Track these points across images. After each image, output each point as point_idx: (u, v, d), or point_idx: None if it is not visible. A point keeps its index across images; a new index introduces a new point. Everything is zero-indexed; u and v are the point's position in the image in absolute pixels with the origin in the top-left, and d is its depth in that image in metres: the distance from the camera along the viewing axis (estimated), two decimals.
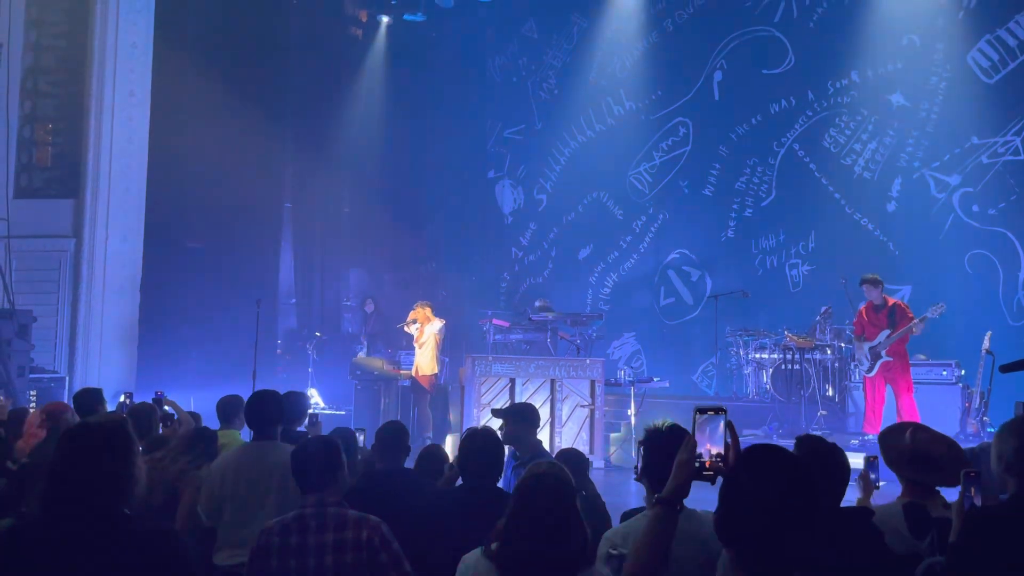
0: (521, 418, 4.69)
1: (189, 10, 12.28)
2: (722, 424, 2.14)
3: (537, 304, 11.80)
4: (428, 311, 10.49)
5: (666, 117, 12.77)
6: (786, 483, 1.93)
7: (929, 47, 10.58)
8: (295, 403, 5.05)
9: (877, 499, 3.33)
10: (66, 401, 8.18)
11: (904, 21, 10.72)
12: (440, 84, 14.28)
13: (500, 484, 3.73)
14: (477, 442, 3.61)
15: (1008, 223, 9.96)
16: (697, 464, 2.13)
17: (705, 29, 12.41)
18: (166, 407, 5.84)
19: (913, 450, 3.06)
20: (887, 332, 8.67)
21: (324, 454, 3.20)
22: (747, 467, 2.01)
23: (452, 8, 13.59)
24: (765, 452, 2.04)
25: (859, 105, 11.13)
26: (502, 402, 9.05)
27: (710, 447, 2.13)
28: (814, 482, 1.99)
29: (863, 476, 3.35)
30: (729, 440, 2.13)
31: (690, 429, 2.20)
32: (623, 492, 7.36)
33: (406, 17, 13.64)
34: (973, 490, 2.62)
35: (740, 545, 1.93)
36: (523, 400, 8.66)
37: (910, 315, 8.71)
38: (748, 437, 9.00)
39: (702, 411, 2.18)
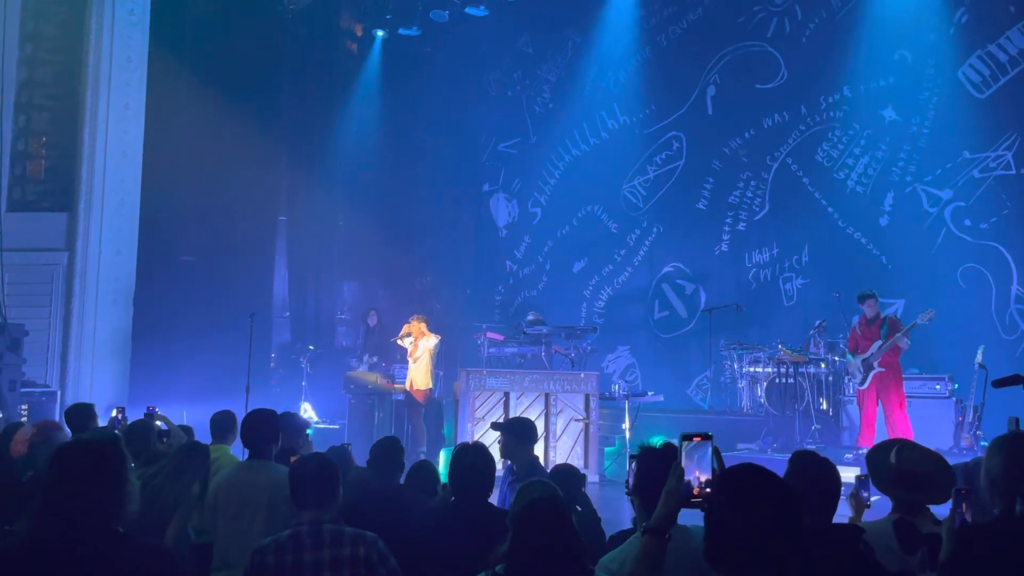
0: (520, 433, 4.70)
1: (184, 24, 12.34)
2: (709, 450, 2.14)
3: (529, 317, 11.81)
4: (423, 325, 10.48)
5: (660, 131, 12.83)
6: (764, 504, 1.93)
7: (921, 62, 10.67)
8: (286, 423, 5.00)
9: (868, 516, 3.34)
10: (57, 415, 8.16)
11: (895, 36, 10.81)
12: (435, 98, 14.34)
13: (495, 499, 3.73)
14: (468, 458, 3.61)
15: (1000, 237, 10.01)
16: (685, 492, 2.13)
17: (698, 44, 12.50)
18: (158, 422, 5.83)
19: (899, 470, 3.06)
20: (879, 343, 8.72)
21: (321, 471, 3.19)
22: (725, 491, 2.01)
23: (447, 23, 13.67)
24: (742, 474, 2.04)
25: (851, 120, 11.20)
26: (496, 416, 9.04)
27: (698, 474, 2.13)
28: (794, 499, 1.99)
29: (854, 495, 3.36)
30: (716, 467, 2.13)
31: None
32: (618, 507, 7.34)
33: (401, 31, 13.71)
34: (964, 507, 2.63)
35: (728, 570, 1.93)
36: (517, 414, 8.66)
37: (902, 328, 8.75)
38: (743, 451, 9.02)
39: (688, 437, 2.16)
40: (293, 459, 4.76)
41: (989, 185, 10.15)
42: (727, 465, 2.14)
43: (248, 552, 3.10)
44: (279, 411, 5.09)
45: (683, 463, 2.14)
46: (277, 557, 2.99)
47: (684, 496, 2.12)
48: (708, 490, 2.10)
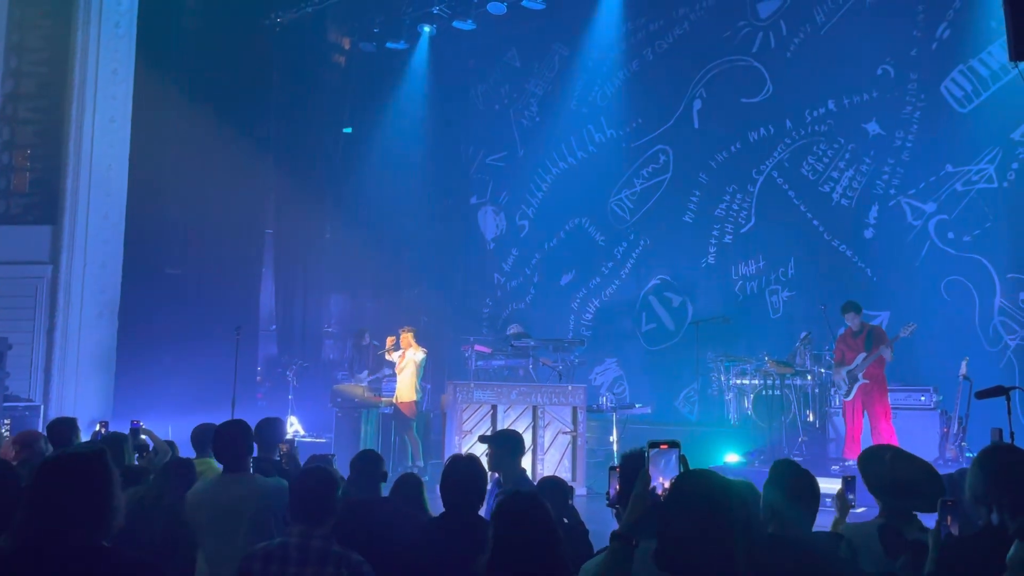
0: (507, 446, 4.70)
1: (171, 37, 12.32)
2: (675, 457, 2.17)
3: (511, 331, 11.84)
4: (411, 336, 10.46)
5: (646, 144, 12.91)
6: (709, 508, 1.97)
7: (903, 77, 10.80)
8: (267, 431, 4.99)
9: (854, 519, 3.35)
10: (40, 430, 8.08)
11: (879, 51, 10.94)
12: (424, 112, 14.37)
13: (484, 513, 3.72)
14: (459, 470, 3.60)
15: (983, 250, 10.12)
16: (651, 498, 2.17)
17: (685, 58, 12.60)
18: (142, 436, 5.80)
19: (893, 476, 3.09)
20: (864, 355, 8.77)
21: (322, 487, 3.19)
22: (674, 495, 2.06)
23: (435, 36, 13.74)
24: (692, 479, 2.08)
25: (836, 133, 11.31)
26: (484, 429, 9.03)
27: (662, 480, 2.17)
28: (744, 505, 2.02)
29: (840, 495, 3.38)
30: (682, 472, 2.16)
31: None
32: (605, 519, 7.33)
33: (388, 45, 13.75)
34: (950, 519, 2.65)
35: (675, 572, 1.96)
36: (505, 427, 8.65)
37: (886, 339, 8.82)
38: (730, 464, 9.03)
39: (655, 444, 2.21)
40: (283, 447, 4.77)
41: (972, 198, 10.26)
42: None
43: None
44: (259, 420, 5.09)
45: (649, 470, 2.18)
46: (263, 565, 3.01)
47: (650, 502, 2.16)
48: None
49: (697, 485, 2.04)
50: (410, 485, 4.26)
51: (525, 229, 14.16)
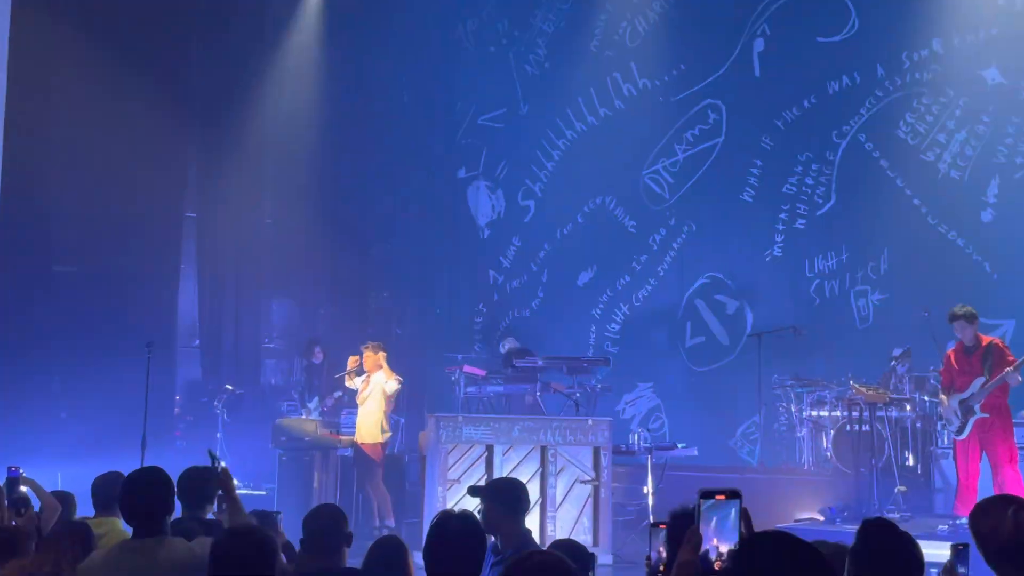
0: (505, 499, 4.71)
1: None
2: (734, 512, 2.18)
3: (505, 347, 11.81)
4: (381, 356, 10.45)
5: (692, 99, 12.94)
6: None
7: None
8: (194, 485, 5.00)
9: None
10: None
11: None
12: (394, 58, 14.37)
13: None
14: (450, 530, 3.59)
15: None
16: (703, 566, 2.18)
17: None
18: (23, 488, 5.78)
19: (1018, 538, 3.07)
20: (982, 380, 8.74)
21: (255, 553, 3.23)
22: (744, 565, 2.08)
23: None
24: (767, 544, 2.12)
25: (943, 83, 11.32)
26: (477, 477, 9.03)
27: (717, 542, 2.18)
28: None
29: (948, 570, 3.36)
30: (744, 533, 2.19)
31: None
32: None
33: None
34: None
35: None
36: (504, 475, 8.65)
37: (1010, 357, 8.78)
38: (803, 523, 9.01)
39: (708, 495, 2.22)
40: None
41: None
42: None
43: None
44: (185, 469, 5.09)
45: (700, 528, 2.19)
46: None
47: (700, 571, 2.17)
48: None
49: (769, 553, 2.04)
50: (389, 552, 4.25)
51: (530, 212, 14.18)
